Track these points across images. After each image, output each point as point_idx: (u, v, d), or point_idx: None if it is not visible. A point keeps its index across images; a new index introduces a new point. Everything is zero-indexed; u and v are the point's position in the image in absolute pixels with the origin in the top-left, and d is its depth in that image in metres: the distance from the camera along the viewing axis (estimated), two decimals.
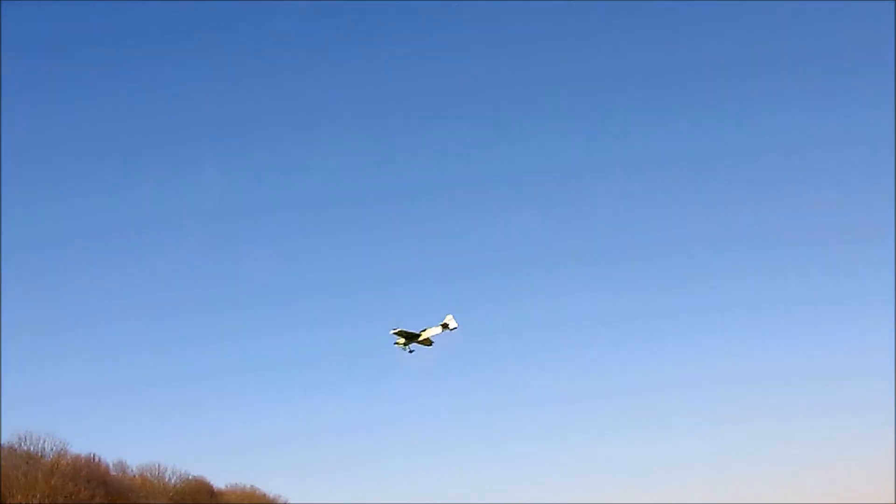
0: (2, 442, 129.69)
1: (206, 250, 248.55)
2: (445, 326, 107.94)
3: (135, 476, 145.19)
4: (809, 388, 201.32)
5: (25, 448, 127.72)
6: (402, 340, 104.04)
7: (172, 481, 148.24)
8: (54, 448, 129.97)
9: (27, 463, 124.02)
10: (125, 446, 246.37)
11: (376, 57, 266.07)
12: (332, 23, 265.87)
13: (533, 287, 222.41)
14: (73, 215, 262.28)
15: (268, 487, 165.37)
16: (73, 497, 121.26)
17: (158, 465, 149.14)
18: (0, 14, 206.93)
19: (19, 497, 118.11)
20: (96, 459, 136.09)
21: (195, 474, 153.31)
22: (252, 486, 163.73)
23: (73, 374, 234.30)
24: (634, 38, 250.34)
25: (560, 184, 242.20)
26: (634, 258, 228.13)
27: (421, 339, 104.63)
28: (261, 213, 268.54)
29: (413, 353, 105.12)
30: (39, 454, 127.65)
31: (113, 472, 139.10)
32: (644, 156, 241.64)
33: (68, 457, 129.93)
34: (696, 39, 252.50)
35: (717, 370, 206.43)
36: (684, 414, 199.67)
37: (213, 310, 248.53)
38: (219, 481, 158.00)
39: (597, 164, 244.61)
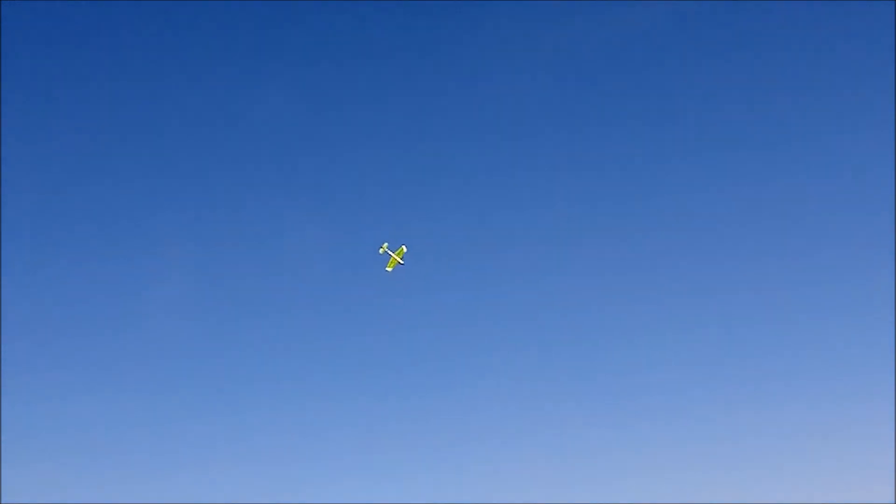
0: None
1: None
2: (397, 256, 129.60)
3: None
4: (809, 387, 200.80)
5: None
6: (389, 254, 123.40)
7: None
8: None
9: None
10: None
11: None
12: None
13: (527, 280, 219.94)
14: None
15: None
16: None
17: None
18: (0, 14, 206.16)
19: None
20: None
21: None
22: None
23: None
24: (635, 37, 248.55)
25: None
26: (632, 256, 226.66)
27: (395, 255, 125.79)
28: None
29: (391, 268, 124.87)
30: None
31: None
32: (643, 154, 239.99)
33: None
34: (695, 39, 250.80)
35: (716, 368, 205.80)
36: (683, 413, 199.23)
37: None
38: None
39: (595, 159, 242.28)
